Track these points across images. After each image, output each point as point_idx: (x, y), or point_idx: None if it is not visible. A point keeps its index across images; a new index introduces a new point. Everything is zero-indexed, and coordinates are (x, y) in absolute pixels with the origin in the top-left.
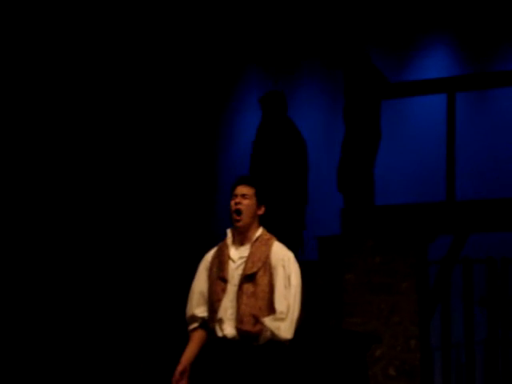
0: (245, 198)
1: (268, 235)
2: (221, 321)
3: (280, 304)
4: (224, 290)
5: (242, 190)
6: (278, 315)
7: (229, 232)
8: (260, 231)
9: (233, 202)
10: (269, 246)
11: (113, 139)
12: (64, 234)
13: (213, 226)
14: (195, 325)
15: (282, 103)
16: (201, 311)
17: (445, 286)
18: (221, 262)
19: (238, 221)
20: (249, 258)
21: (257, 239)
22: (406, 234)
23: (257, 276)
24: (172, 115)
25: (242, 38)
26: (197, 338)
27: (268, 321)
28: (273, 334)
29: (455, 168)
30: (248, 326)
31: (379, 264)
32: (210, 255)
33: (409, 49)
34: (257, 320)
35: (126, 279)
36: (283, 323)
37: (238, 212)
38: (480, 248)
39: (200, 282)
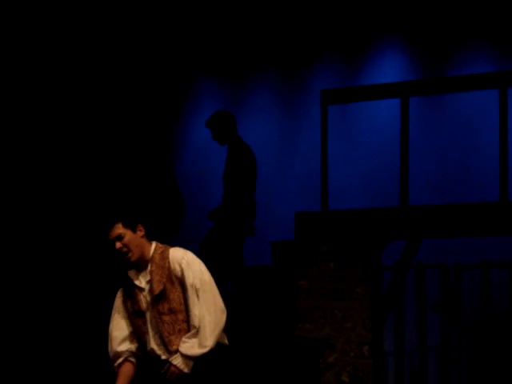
0: (120, 237)
1: (162, 246)
2: (152, 351)
3: (192, 318)
4: (145, 322)
5: (113, 233)
6: (190, 333)
7: (126, 267)
8: (153, 247)
9: (116, 249)
10: (166, 258)
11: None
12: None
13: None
14: (120, 360)
15: (229, 123)
16: (124, 346)
17: (398, 291)
18: (131, 296)
19: (130, 258)
20: (152, 278)
21: (152, 257)
22: (360, 240)
23: (167, 292)
24: (124, 120)
25: (196, 45)
26: (125, 373)
27: (181, 348)
28: (188, 357)
29: (409, 173)
30: (176, 347)
31: (332, 269)
32: (120, 292)
33: (362, 53)
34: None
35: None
36: (197, 338)
37: (126, 254)
38: (433, 253)
39: (117, 321)
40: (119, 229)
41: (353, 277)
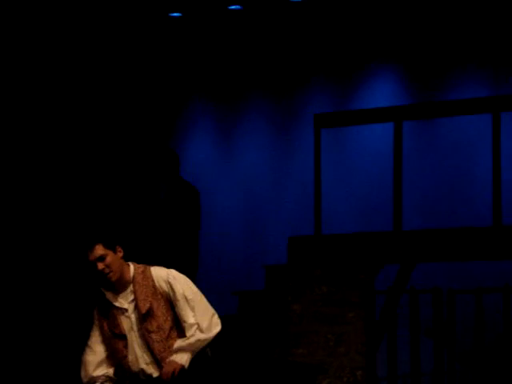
0: (102, 258)
1: (141, 267)
2: (142, 371)
3: (188, 328)
4: (126, 345)
5: (94, 253)
6: (189, 330)
7: (103, 290)
8: (132, 268)
9: (97, 269)
10: (148, 277)
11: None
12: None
13: None
14: None
15: (174, 163)
16: (100, 371)
17: (391, 316)
18: (109, 318)
19: (111, 278)
20: (137, 298)
21: (134, 278)
22: (353, 264)
23: (153, 309)
24: (117, 139)
25: (190, 68)
26: None
27: (179, 343)
28: (186, 348)
29: (402, 198)
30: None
31: (326, 294)
32: (95, 315)
33: (354, 78)
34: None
35: None
36: (200, 327)
37: (108, 274)
38: (426, 278)
39: (91, 345)
40: (100, 250)
41: (346, 301)
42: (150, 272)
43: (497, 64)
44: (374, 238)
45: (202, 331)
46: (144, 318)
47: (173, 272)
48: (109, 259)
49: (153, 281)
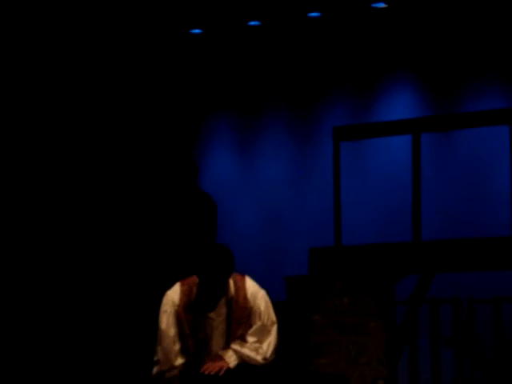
0: (222, 285)
1: (238, 278)
2: (216, 355)
3: (257, 338)
4: (205, 351)
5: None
6: (252, 344)
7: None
8: (232, 284)
9: (214, 292)
10: (242, 288)
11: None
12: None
13: None
14: (175, 373)
15: (192, 172)
16: (179, 360)
17: (411, 326)
18: (195, 322)
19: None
20: (233, 318)
21: (231, 292)
22: (373, 275)
23: (241, 323)
24: (134, 158)
25: (208, 82)
26: None
27: (239, 347)
28: (255, 361)
29: (421, 208)
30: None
31: (347, 304)
32: (176, 298)
33: (373, 89)
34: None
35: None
36: (264, 355)
37: (216, 293)
38: (446, 288)
39: (172, 330)
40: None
41: (367, 312)
42: (245, 283)
43: None
44: (394, 248)
45: (263, 358)
46: (232, 325)
47: (265, 296)
48: (226, 286)
49: (245, 293)
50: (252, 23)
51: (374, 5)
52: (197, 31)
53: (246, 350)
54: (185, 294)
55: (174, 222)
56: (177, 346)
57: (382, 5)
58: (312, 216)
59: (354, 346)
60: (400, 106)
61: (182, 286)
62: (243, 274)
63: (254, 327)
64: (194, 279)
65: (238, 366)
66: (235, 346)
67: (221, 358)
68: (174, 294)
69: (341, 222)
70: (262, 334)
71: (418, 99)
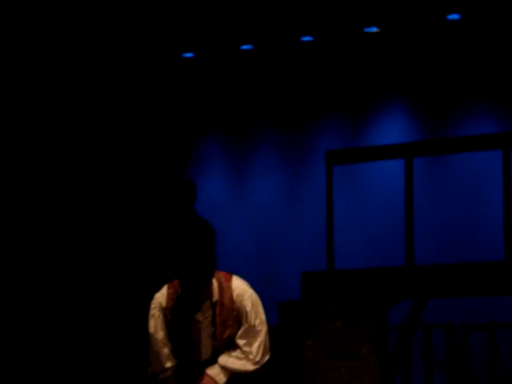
0: (201, 289)
1: (224, 279)
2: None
3: (246, 351)
4: (197, 351)
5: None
6: (241, 353)
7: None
8: (216, 285)
9: (194, 297)
10: (228, 289)
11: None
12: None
13: None
14: (167, 375)
15: (190, 195)
16: (170, 362)
17: (405, 351)
18: (183, 325)
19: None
20: (217, 321)
21: (216, 293)
22: (366, 299)
23: (228, 325)
24: (131, 176)
25: (200, 104)
26: None
27: (227, 361)
28: (245, 370)
29: (414, 233)
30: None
31: (339, 329)
32: (163, 301)
33: (365, 113)
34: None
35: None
36: (253, 359)
37: (198, 297)
38: (440, 313)
39: (160, 333)
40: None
41: (360, 337)
42: (231, 283)
43: (507, 99)
44: (387, 273)
45: (254, 363)
46: (217, 328)
47: (253, 294)
48: (208, 288)
49: (231, 293)
50: (244, 47)
51: (366, 29)
52: (189, 55)
53: (234, 363)
54: (172, 296)
55: (171, 248)
56: (166, 349)
57: (374, 29)
58: (304, 240)
59: (347, 372)
60: (392, 130)
61: (169, 288)
62: (230, 273)
63: (242, 329)
64: None
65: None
66: (222, 361)
67: (209, 378)
68: (161, 297)
69: (333, 246)
70: (251, 335)
71: (411, 123)
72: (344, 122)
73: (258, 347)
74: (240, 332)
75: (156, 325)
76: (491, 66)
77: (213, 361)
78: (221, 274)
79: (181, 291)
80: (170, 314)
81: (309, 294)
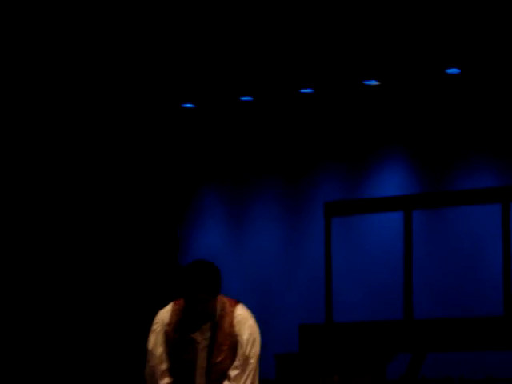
0: (204, 301)
1: (229, 306)
2: None
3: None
4: (191, 371)
5: (199, 298)
6: None
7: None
8: (219, 308)
9: (196, 308)
10: (230, 314)
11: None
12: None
13: None
14: None
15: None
16: (166, 380)
17: None
18: (181, 343)
19: (201, 314)
20: (216, 343)
21: (219, 316)
22: (365, 353)
23: (225, 350)
24: (128, 226)
25: (200, 154)
26: None
27: None
28: None
29: (412, 287)
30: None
31: (338, 383)
32: (166, 318)
33: (363, 165)
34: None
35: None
36: None
37: (201, 312)
38: (439, 366)
39: (159, 349)
40: (205, 296)
41: None
42: (235, 309)
43: (506, 153)
44: (386, 326)
45: None
46: (213, 351)
47: (253, 327)
48: (210, 304)
49: (232, 319)
50: (244, 98)
51: (366, 82)
52: (189, 105)
53: None
54: (176, 313)
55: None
56: (163, 366)
57: (374, 82)
58: (302, 291)
59: None
60: (391, 182)
61: (174, 305)
62: (237, 301)
63: (237, 360)
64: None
65: None
66: None
67: None
68: (165, 314)
69: (332, 299)
70: (243, 368)
71: (410, 176)
72: (343, 174)
73: (246, 379)
74: (234, 363)
75: (156, 340)
76: (490, 120)
77: None
78: (226, 299)
79: (185, 307)
80: (172, 331)
81: (306, 347)
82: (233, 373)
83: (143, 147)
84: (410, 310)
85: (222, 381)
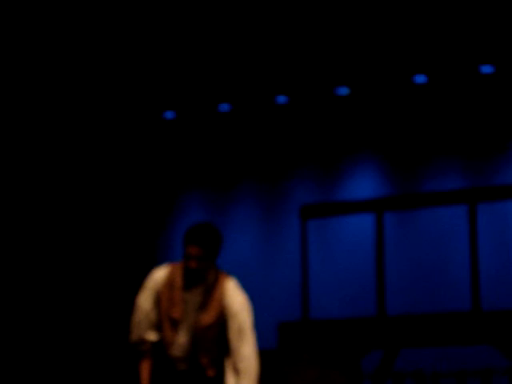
0: (198, 258)
1: (223, 275)
2: (177, 358)
3: (237, 358)
4: (176, 332)
5: (192, 252)
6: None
7: (179, 273)
8: (212, 277)
9: (188, 264)
10: (222, 290)
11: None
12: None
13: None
14: (144, 348)
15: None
16: (149, 335)
17: None
18: (171, 300)
19: (194, 275)
20: (206, 308)
21: (213, 285)
22: (340, 348)
23: (212, 321)
24: (110, 232)
25: (182, 160)
26: (148, 364)
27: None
28: None
29: (385, 284)
30: (204, 361)
31: (314, 378)
32: (160, 277)
33: (337, 169)
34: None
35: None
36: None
37: (194, 271)
38: (411, 361)
39: (147, 304)
40: (200, 253)
41: None
42: (227, 284)
43: (473, 155)
44: (360, 323)
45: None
46: (201, 314)
47: (244, 299)
48: (203, 264)
49: (224, 291)
50: (223, 108)
51: (337, 90)
52: (170, 115)
53: None
54: (170, 272)
55: None
56: (148, 320)
57: (345, 90)
58: (280, 289)
59: None
60: (364, 185)
61: (169, 266)
62: (231, 277)
63: (230, 331)
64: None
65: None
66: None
67: None
68: (159, 272)
69: (308, 297)
70: (239, 336)
71: (381, 179)
72: (318, 177)
73: (244, 349)
74: (230, 335)
75: (145, 295)
76: (458, 125)
77: (189, 358)
78: (222, 272)
79: (180, 269)
80: (163, 288)
81: (284, 344)
82: (232, 344)
83: (123, 155)
84: (383, 306)
85: (205, 344)
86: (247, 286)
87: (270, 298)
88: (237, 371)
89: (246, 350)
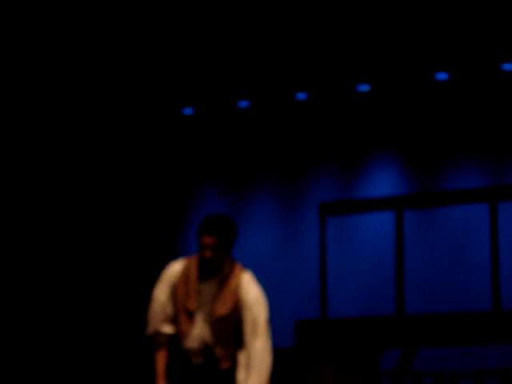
0: (213, 248)
1: (239, 268)
2: (192, 351)
3: (251, 350)
4: (192, 324)
5: (207, 242)
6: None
7: (195, 264)
8: (228, 268)
9: (203, 254)
10: (238, 283)
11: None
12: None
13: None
14: (160, 341)
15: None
16: (165, 328)
17: None
18: (187, 292)
19: (209, 265)
20: (219, 298)
21: (228, 276)
22: (358, 347)
23: (227, 314)
24: (127, 228)
25: (199, 154)
26: (163, 357)
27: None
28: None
29: (404, 282)
30: (219, 353)
31: (332, 377)
32: (176, 270)
33: (357, 166)
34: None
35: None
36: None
37: (209, 262)
38: (430, 360)
39: (163, 297)
40: (215, 242)
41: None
42: (243, 276)
43: (495, 153)
44: (378, 322)
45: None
46: (216, 305)
47: (260, 293)
48: (218, 254)
49: (238, 283)
50: (242, 104)
51: (358, 87)
52: (189, 111)
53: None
54: (186, 265)
55: None
56: (164, 313)
57: (366, 87)
58: (298, 287)
59: None
60: (383, 183)
61: (186, 259)
62: (247, 269)
63: (245, 323)
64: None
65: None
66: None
67: None
68: (175, 265)
69: (326, 295)
70: (253, 329)
71: (401, 177)
72: (336, 175)
73: (258, 343)
74: (245, 328)
75: (162, 288)
76: (479, 122)
77: (204, 351)
78: (237, 264)
79: (195, 262)
80: (179, 281)
81: (302, 342)
82: (245, 337)
83: (141, 149)
84: (402, 305)
85: (220, 336)
86: (265, 283)
87: (287, 296)
88: (248, 365)
89: (259, 344)
